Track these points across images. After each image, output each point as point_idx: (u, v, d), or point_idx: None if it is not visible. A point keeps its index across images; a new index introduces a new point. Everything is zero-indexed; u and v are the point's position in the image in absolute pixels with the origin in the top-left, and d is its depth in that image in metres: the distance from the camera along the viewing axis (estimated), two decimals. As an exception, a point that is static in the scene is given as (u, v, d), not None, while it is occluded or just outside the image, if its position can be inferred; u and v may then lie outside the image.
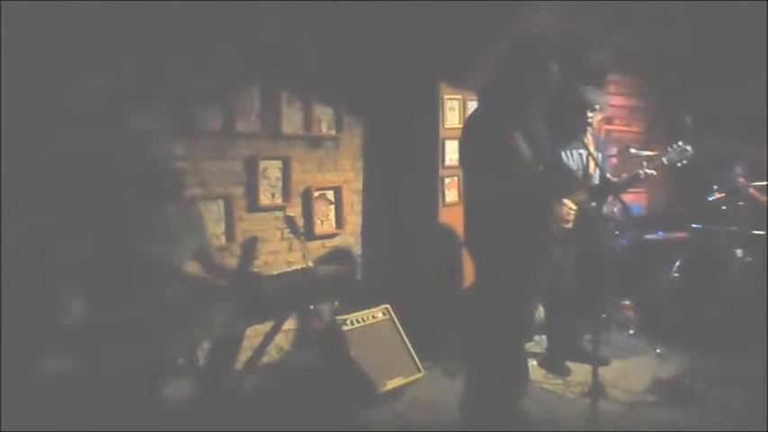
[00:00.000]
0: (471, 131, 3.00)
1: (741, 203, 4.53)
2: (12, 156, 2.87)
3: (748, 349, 3.94)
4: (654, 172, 3.84)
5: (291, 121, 4.04)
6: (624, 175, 3.94)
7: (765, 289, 4.11)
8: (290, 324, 3.92)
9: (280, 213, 3.92)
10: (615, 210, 4.50)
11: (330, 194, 4.29)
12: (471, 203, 3.08)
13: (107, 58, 3.25)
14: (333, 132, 4.26)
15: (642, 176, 3.84)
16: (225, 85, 3.70)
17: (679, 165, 3.88)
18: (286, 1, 3.83)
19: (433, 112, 4.33)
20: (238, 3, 3.62)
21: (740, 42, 4.98)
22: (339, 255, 4.35)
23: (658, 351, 4.20)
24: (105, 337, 2.55)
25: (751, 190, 4.55)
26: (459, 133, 3.11)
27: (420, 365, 3.75)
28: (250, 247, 3.16)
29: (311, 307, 3.39)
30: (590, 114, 3.92)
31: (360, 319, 3.70)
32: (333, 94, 4.21)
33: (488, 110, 3.03)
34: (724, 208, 4.58)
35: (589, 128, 3.97)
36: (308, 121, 4.11)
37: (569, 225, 3.29)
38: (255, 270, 3.27)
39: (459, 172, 4.18)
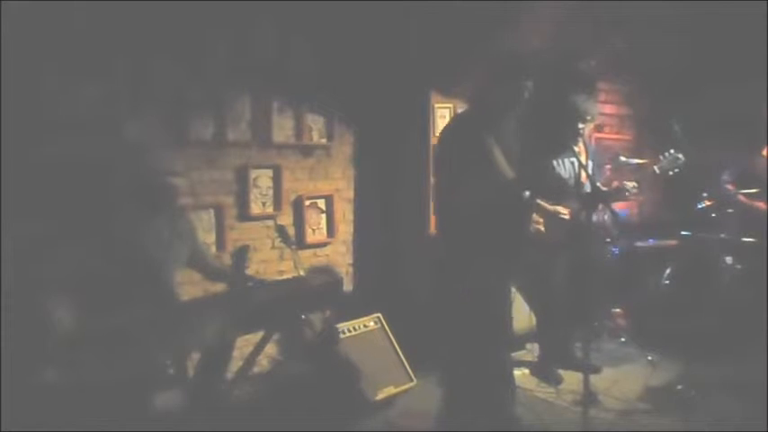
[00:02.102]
0: (447, 137, 3.02)
1: (730, 211, 4.56)
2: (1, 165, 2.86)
3: (740, 356, 3.96)
4: (636, 186, 3.87)
5: (282, 129, 4.03)
6: (614, 184, 3.96)
7: (756, 296, 4.13)
8: (280, 333, 3.90)
9: (271, 222, 3.91)
10: (605, 218, 4.51)
11: (321, 203, 4.28)
12: (442, 209, 3.10)
13: (98, 66, 3.24)
14: (324, 141, 4.26)
15: (629, 189, 3.86)
16: (216, 94, 3.70)
17: (671, 173, 3.90)
18: (277, 3, 3.83)
19: (424, 120, 4.34)
20: (229, 12, 3.63)
21: (730, 48, 5.01)
22: (330, 263, 4.34)
23: (650, 358, 4.21)
24: (96, 347, 2.52)
25: (740, 197, 4.58)
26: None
27: (412, 374, 3.73)
28: (241, 256, 3.15)
29: (302, 316, 3.38)
30: (581, 125, 3.94)
31: (351, 329, 3.69)
32: (324, 103, 4.21)
33: (465, 117, 3.08)
34: (713, 215, 4.60)
35: (579, 138, 3.99)
36: (298, 130, 4.10)
37: (558, 233, 3.29)
38: (254, 276, 3.28)
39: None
